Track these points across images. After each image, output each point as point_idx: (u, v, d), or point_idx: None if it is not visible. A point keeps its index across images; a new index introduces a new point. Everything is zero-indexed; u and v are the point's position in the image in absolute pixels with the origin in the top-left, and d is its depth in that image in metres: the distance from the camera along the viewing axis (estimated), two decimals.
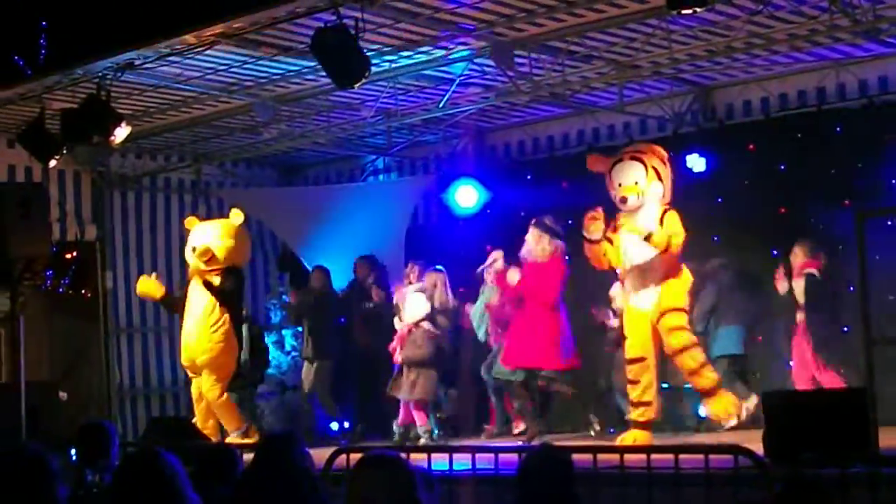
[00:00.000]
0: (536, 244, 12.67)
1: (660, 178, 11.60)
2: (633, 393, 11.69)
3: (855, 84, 13.46)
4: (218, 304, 13.22)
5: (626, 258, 11.68)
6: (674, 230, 11.40)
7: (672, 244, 11.34)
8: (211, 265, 13.29)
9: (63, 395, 14.60)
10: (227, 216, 13.95)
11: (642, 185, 11.53)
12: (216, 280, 13.24)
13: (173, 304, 14.00)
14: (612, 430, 13.18)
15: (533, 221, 12.81)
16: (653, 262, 11.50)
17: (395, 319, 13.89)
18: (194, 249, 13.33)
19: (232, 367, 13.48)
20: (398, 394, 13.60)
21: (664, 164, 11.69)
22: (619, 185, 11.60)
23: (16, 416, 10.98)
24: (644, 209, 11.57)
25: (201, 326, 13.22)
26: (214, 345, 13.23)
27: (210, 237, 13.37)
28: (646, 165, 11.58)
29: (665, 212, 11.54)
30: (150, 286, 13.64)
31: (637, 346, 11.64)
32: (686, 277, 11.70)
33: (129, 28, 12.13)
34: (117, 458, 7.23)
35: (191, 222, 13.77)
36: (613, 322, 13.20)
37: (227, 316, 13.25)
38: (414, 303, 13.71)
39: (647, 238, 11.34)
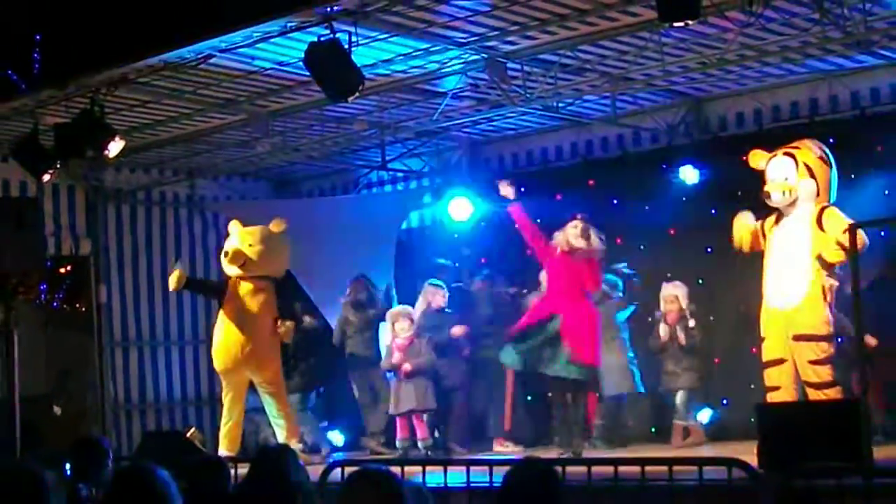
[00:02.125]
0: (581, 236, 12.26)
1: (812, 175, 11.21)
2: (774, 398, 11.14)
3: (847, 96, 13.49)
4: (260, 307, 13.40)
5: (774, 256, 11.36)
6: (836, 226, 10.85)
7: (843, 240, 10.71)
8: (246, 271, 13.35)
9: (57, 409, 14.61)
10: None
11: (791, 182, 11.20)
12: (257, 292, 13.36)
13: (202, 287, 13.92)
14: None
15: (579, 216, 12.40)
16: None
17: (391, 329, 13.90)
18: (226, 254, 13.34)
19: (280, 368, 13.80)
20: (400, 408, 13.61)
21: (822, 160, 11.29)
22: (771, 180, 11.32)
23: (10, 430, 10.98)
24: (797, 208, 11.24)
25: (249, 331, 13.34)
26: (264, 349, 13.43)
27: (241, 241, 13.41)
28: (797, 161, 11.25)
29: (823, 210, 11.11)
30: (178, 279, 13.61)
31: (774, 347, 11.26)
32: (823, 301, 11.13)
33: (122, 43, 12.15)
34: (112, 472, 7.22)
35: (235, 225, 13.83)
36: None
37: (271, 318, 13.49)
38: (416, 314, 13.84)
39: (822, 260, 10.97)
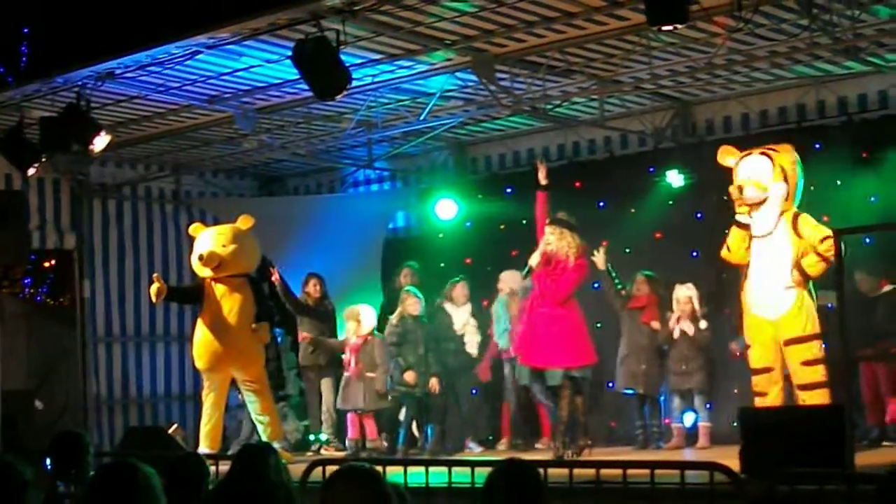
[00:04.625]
0: (560, 240, 12.34)
1: (785, 179, 11.29)
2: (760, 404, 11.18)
3: (834, 101, 13.53)
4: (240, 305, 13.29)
5: (756, 264, 11.41)
6: (813, 235, 10.98)
7: (822, 251, 10.85)
8: (220, 272, 13.28)
9: (39, 403, 14.55)
10: (207, 226, 13.92)
11: (765, 182, 11.26)
12: (234, 291, 13.28)
13: (181, 295, 13.91)
14: (661, 444, 13.18)
15: (548, 220, 12.44)
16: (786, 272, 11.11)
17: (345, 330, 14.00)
18: (201, 257, 13.26)
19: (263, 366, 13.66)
20: (348, 405, 13.77)
21: (794, 165, 11.38)
22: (745, 177, 11.34)
23: None
24: (764, 207, 11.31)
25: (228, 329, 13.24)
26: (244, 347, 13.32)
27: (214, 243, 13.33)
28: (773, 162, 11.28)
29: (796, 217, 11.25)
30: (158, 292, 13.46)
31: (762, 355, 11.34)
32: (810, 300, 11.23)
33: (109, 37, 12.11)
34: (92, 467, 7.20)
35: (196, 229, 13.74)
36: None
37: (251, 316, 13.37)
38: (370, 314, 13.80)
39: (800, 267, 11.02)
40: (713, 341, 13.18)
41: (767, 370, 11.28)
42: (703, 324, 13.11)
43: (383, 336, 13.74)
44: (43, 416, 14.60)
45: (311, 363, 14.76)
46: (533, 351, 12.41)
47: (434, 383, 13.45)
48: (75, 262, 15.99)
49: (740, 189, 11.31)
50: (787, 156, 11.42)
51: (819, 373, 11.00)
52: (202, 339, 13.29)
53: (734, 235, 11.58)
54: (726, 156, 11.69)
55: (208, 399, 13.38)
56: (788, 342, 11.12)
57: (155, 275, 13.80)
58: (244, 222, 13.46)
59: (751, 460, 8.89)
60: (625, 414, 13.91)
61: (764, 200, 11.31)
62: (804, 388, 11.01)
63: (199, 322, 13.41)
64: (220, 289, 13.26)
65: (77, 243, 15.94)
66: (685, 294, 13.18)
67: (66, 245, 15.90)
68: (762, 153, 11.46)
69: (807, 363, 11.01)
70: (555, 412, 12.49)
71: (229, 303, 13.22)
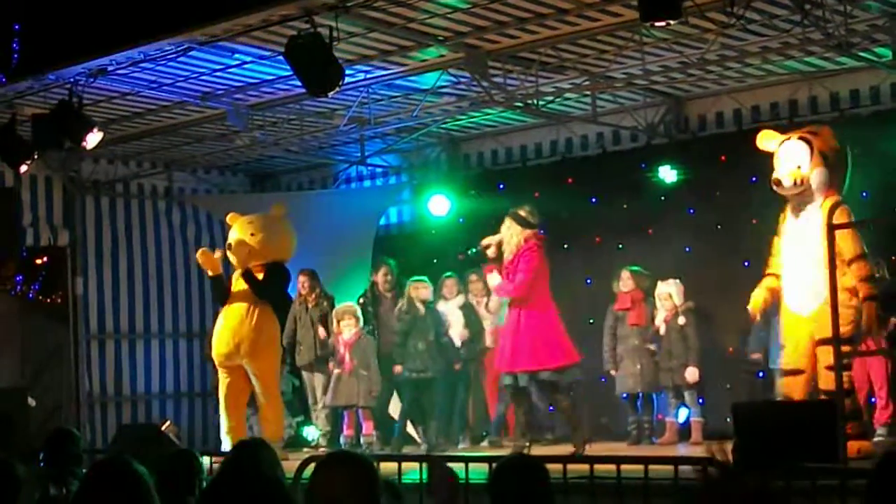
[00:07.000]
0: (507, 230, 12.00)
1: (826, 164, 10.54)
2: None
3: (826, 97, 13.53)
4: (257, 298, 13.16)
5: (788, 252, 10.71)
6: (843, 250, 10.15)
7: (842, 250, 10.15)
8: (251, 261, 13.22)
9: (32, 401, 14.55)
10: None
11: (804, 170, 10.49)
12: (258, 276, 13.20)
13: (221, 288, 13.84)
14: (654, 440, 13.19)
15: (509, 212, 12.20)
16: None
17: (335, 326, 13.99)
18: (229, 247, 13.28)
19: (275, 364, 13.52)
20: (341, 402, 13.79)
21: (837, 151, 10.64)
22: (781, 166, 10.59)
23: None
24: (811, 202, 10.55)
25: (242, 321, 13.16)
26: (255, 340, 13.19)
27: (243, 232, 13.31)
28: (812, 147, 10.54)
29: (836, 208, 10.21)
30: (208, 260, 13.50)
31: (793, 355, 10.63)
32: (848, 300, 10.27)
33: (101, 34, 12.10)
34: (84, 465, 7.19)
35: (233, 218, 13.71)
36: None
37: (267, 310, 13.24)
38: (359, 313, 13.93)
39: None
40: (699, 339, 13.17)
41: (797, 372, 10.55)
42: (681, 319, 13.11)
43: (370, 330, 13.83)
44: (36, 414, 14.58)
45: (307, 361, 14.71)
46: (502, 355, 12.26)
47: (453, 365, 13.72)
48: (68, 259, 15.98)
49: (778, 182, 10.54)
50: (828, 139, 10.72)
51: (846, 379, 10.01)
52: (218, 330, 13.28)
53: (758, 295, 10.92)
54: (766, 139, 10.95)
55: (221, 393, 13.33)
56: (821, 342, 10.21)
57: (219, 251, 13.76)
58: (276, 209, 13.49)
59: (744, 456, 8.90)
60: (617, 409, 13.92)
61: (805, 192, 10.58)
62: (828, 394, 10.13)
63: (221, 313, 13.38)
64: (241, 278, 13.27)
65: (70, 240, 15.93)
66: (665, 290, 13.21)
67: (59, 242, 15.89)
68: (801, 137, 10.73)
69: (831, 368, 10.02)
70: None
71: (247, 292, 13.16)
